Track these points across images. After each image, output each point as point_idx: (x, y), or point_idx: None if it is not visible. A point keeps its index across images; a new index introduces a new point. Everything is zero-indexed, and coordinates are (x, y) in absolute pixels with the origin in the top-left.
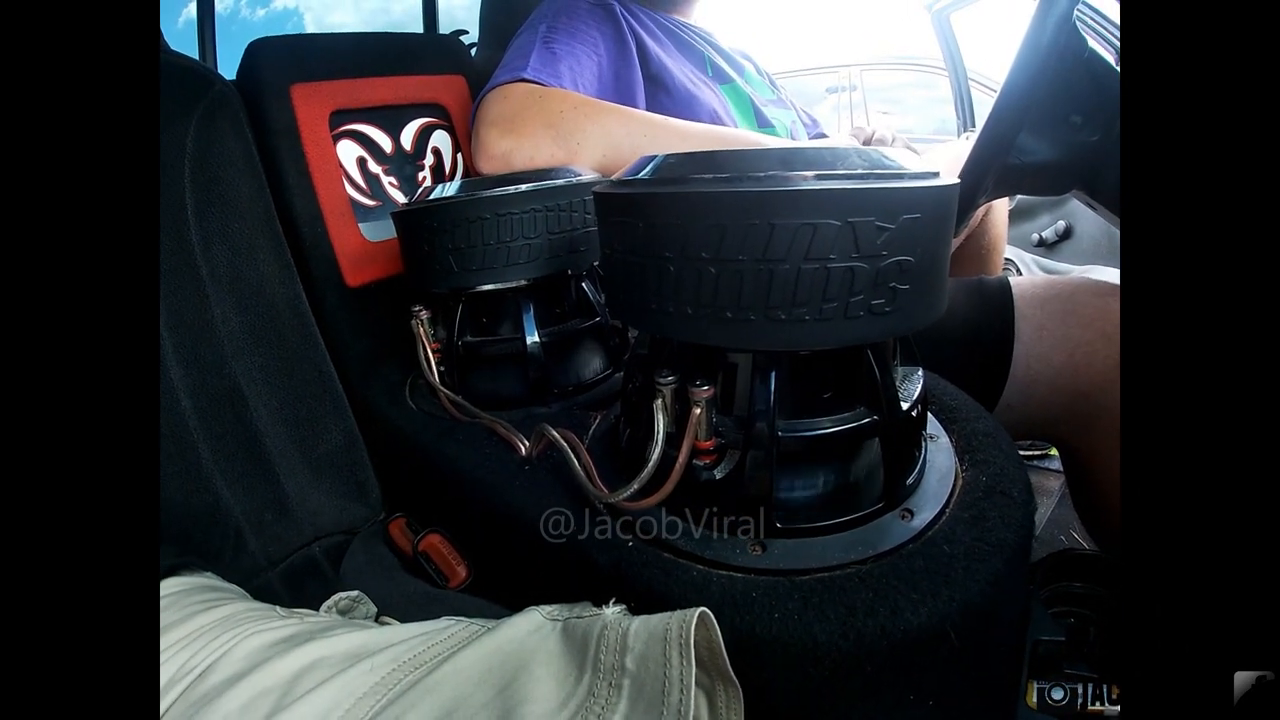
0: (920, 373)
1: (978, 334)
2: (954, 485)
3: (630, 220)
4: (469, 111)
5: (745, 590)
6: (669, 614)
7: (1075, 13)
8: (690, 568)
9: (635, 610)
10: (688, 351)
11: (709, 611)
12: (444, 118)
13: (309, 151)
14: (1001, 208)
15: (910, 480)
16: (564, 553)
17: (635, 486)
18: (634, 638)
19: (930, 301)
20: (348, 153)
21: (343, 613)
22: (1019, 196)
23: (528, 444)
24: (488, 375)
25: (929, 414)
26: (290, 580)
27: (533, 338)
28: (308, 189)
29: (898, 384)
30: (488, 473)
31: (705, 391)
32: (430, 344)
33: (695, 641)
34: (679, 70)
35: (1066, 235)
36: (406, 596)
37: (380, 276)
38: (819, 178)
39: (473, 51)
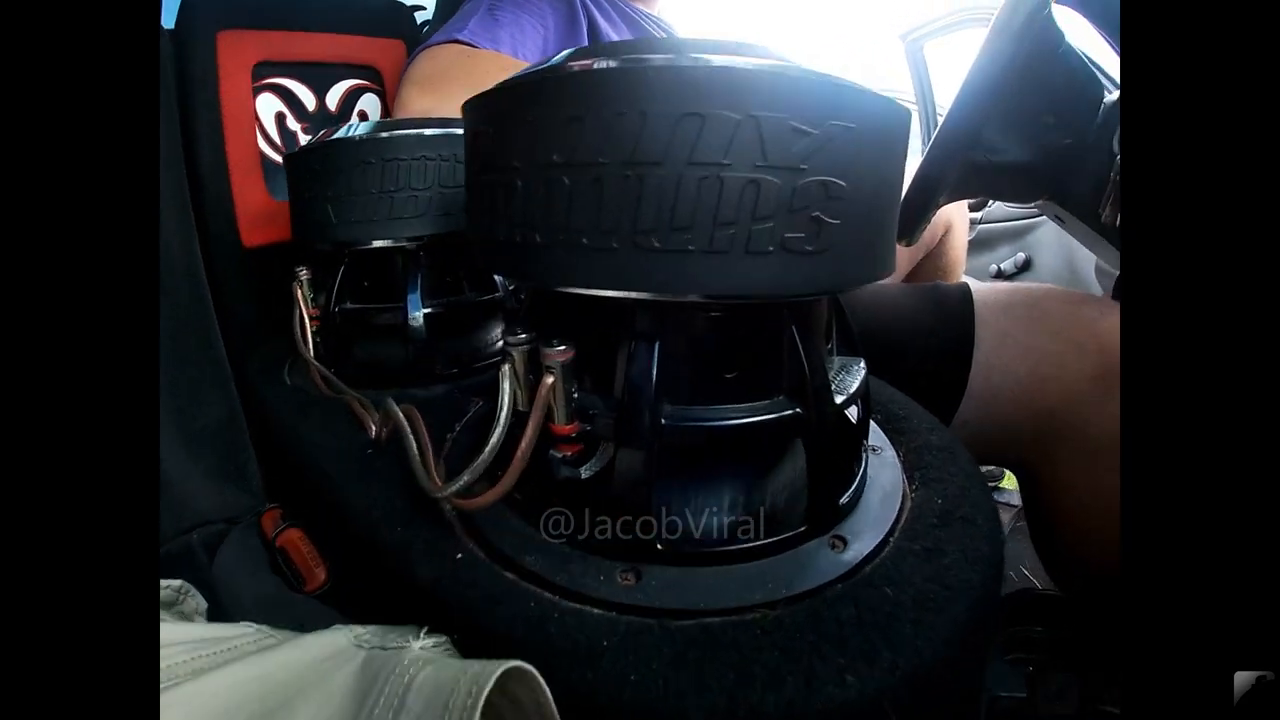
0: (862, 365)
1: (931, 340)
2: (901, 508)
3: (484, 127)
4: None
5: (596, 634)
6: (466, 666)
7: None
8: (529, 595)
9: (460, 644)
10: (569, 312)
11: (529, 668)
12: (376, 81)
13: (225, 101)
14: (961, 229)
15: (845, 499)
16: (385, 559)
17: (466, 478)
18: (415, 694)
19: (870, 250)
20: (267, 106)
21: (166, 605)
22: (979, 227)
23: (378, 426)
24: (366, 348)
25: (872, 424)
26: (164, 570)
27: (416, 309)
28: (217, 140)
29: (831, 374)
30: (329, 457)
31: (561, 353)
32: (309, 310)
33: (522, 701)
34: None
35: (1026, 267)
36: (257, 597)
37: (279, 239)
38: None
39: (424, 30)
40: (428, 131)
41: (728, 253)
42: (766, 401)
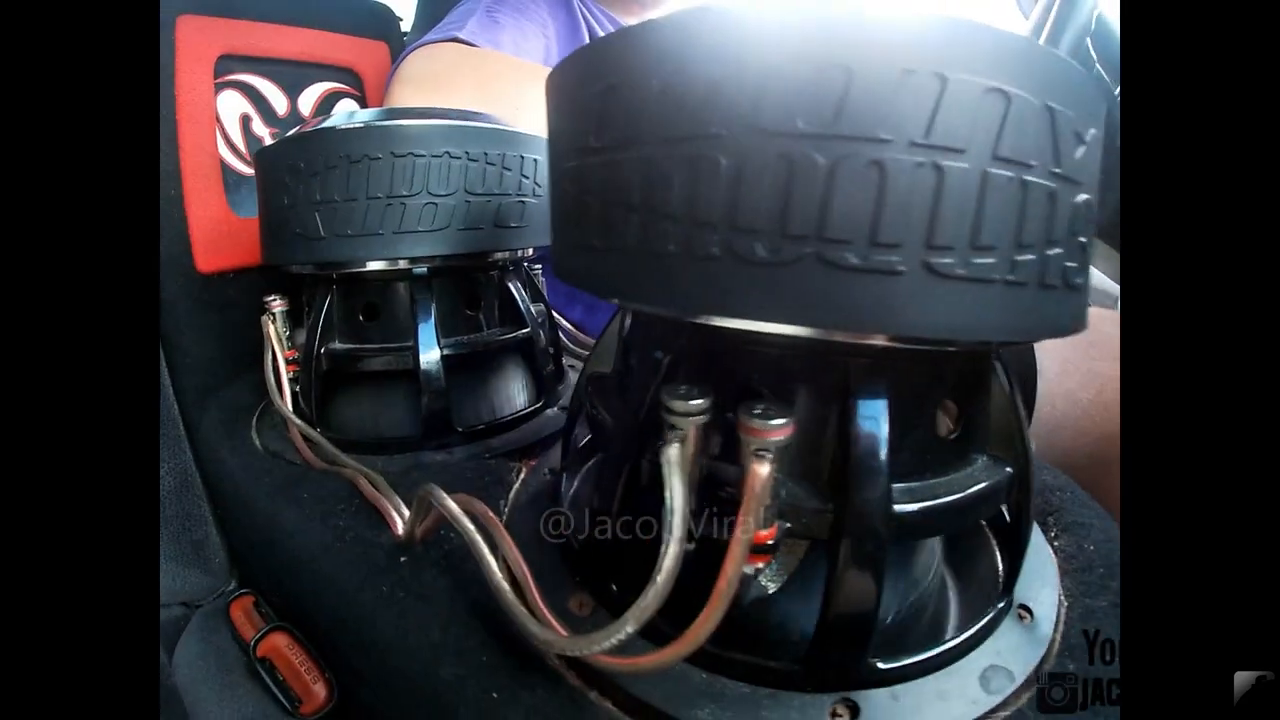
0: None
1: None
2: (1054, 561)
3: (639, 79)
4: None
5: None
6: None
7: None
8: None
9: None
10: (714, 360)
11: None
12: (356, 86)
13: (181, 96)
14: None
15: None
16: None
17: (630, 628)
18: None
19: None
20: (230, 106)
21: None
22: None
23: (407, 516)
24: (362, 401)
25: None
26: None
27: (430, 349)
28: (168, 140)
29: None
30: (338, 564)
31: (781, 430)
32: (285, 350)
33: None
34: None
35: None
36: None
37: (243, 264)
38: None
39: (403, 40)
40: (455, 122)
41: (1025, 285)
42: (979, 463)
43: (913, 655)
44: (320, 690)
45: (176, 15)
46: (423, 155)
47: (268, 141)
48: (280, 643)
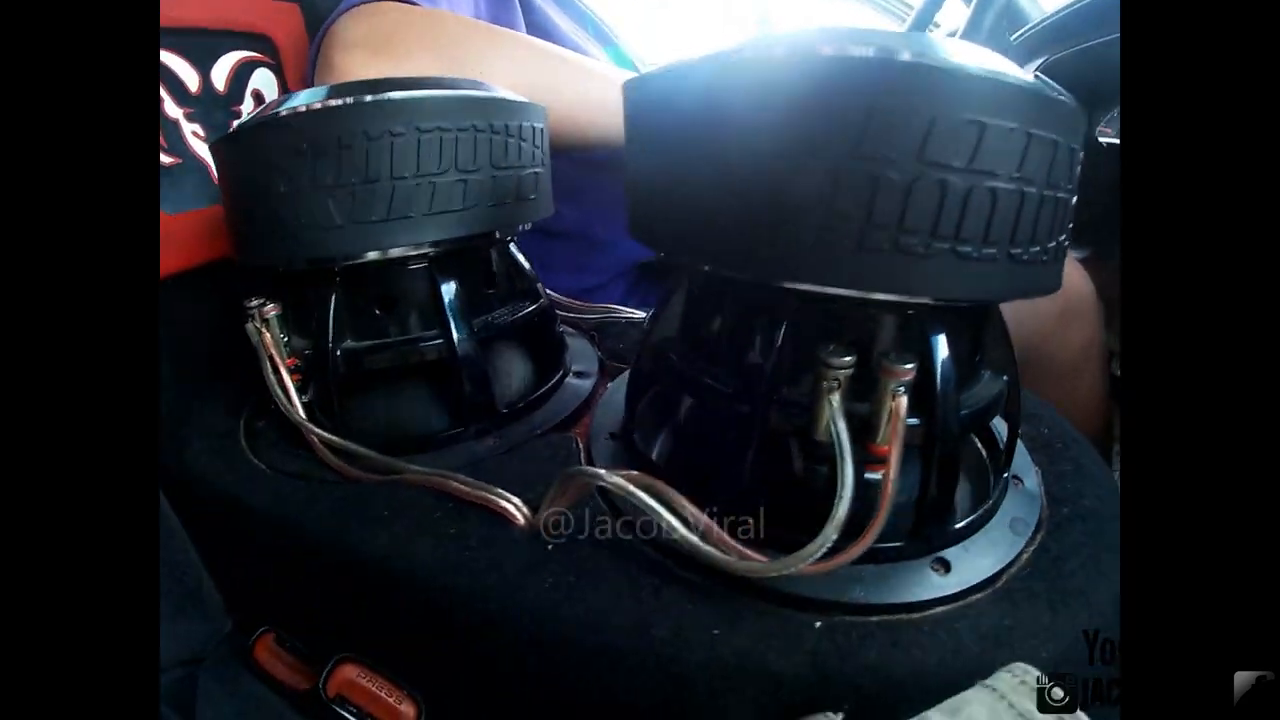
0: None
1: None
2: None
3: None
4: (304, 49)
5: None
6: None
7: None
8: (903, 626)
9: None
10: (807, 313)
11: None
12: (270, 54)
13: None
14: None
15: None
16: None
17: (833, 537)
18: None
19: None
20: None
21: None
22: None
23: (524, 509)
24: (380, 401)
25: None
26: None
27: (465, 335)
28: None
29: None
30: (477, 572)
31: (911, 371)
32: (283, 359)
33: None
34: (565, 24)
35: None
36: None
37: (182, 267)
38: None
39: None
40: (476, 92)
41: (1036, 264)
42: (987, 376)
43: (968, 517)
44: (408, 710)
45: None
46: (449, 130)
47: (184, 125)
48: (351, 672)
